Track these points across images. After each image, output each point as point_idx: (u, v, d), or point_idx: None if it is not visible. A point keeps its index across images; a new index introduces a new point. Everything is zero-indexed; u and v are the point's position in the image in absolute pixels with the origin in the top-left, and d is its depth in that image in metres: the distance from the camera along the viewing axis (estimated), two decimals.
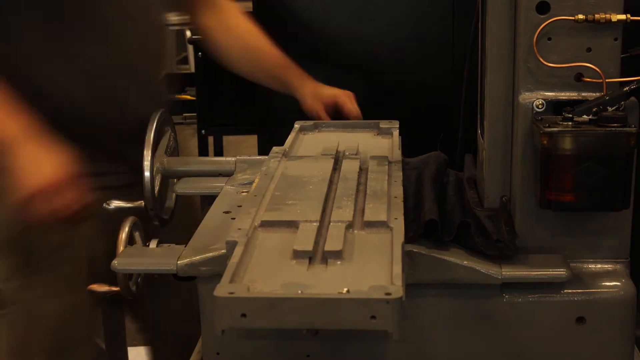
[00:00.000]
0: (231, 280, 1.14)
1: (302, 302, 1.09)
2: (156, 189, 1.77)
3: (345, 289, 1.11)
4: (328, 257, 1.22)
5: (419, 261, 1.43)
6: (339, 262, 1.21)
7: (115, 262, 1.47)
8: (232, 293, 1.10)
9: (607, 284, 1.49)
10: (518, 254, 1.47)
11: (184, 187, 1.83)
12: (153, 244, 1.53)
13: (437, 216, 1.47)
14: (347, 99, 2.14)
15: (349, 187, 1.49)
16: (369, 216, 1.34)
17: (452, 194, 1.67)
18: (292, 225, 1.32)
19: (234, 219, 1.49)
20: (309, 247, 1.23)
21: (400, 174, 1.57)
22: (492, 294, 1.47)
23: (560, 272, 1.45)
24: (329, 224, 1.33)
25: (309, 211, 1.37)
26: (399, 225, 1.31)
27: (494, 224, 1.51)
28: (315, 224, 1.32)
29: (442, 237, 1.47)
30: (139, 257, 1.50)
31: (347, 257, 1.23)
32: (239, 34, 2.24)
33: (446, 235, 1.47)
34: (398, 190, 1.47)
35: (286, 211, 1.38)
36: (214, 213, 1.60)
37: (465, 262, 1.44)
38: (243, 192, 1.68)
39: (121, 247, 1.51)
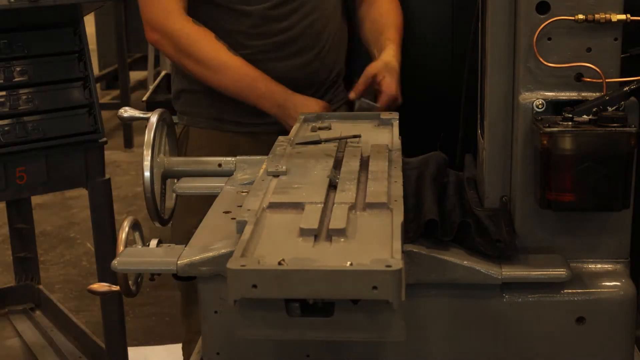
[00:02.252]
0: (242, 255, 1.21)
1: (309, 273, 1.15)
2: (156, 188, 1.77)
3: (349, 263, 1.16)
4: (332, 234, 1.29)
5: (419, 261, 1.43)
6: (342, 240, 1.28)
7: (115, 262, 1.47)
8: (243, 265, 1.16)
9: (607, 284, 1.49)
10: (518, 254, 1.47)
11: (184, 187, 1.83)
12: (153, 244, 1.53)
13: (437, 216, 1.47)
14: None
15: (351, 172, 1.54)
16: (370, 198, 1.41)
17: (452, 194, 1.67)
18: (298, 206, 1.39)
19: (234, 219, 1.50)
20: (315, 226, 1.30)
21: (400, 160, 1.62)
22: (492, 294, 1.47)
23: (560, 272, 1.45)
24: (333, 205, 1.39)
25: (314, 194, 1.43)
26: (398, 206, 1.37)
27: (494, 224, 1.51)
28: (320, 205, 1.38)
29: (442, 237, 1.47)
30: (139, 257, 1.50)
31: (350, 235, 1.29)
32: (378, 20, 2.43)
33: (446, 235, 1.47)
34: (397, 175, 1.52)
35: (292, 194, 1.45)
36: (214, 213, 1.60)
37: (465, 262, 1.44)
38: (243, 192, 1.68)
39: (121, 247, 1.51)
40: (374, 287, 1.13)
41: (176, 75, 2.48)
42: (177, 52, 2.29)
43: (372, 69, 2.28)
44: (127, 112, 1.94)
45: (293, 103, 2.24)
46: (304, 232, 1.29)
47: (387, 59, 2.30)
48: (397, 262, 1.15)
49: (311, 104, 2.23)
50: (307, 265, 1.17)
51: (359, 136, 1.80)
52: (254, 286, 1.15)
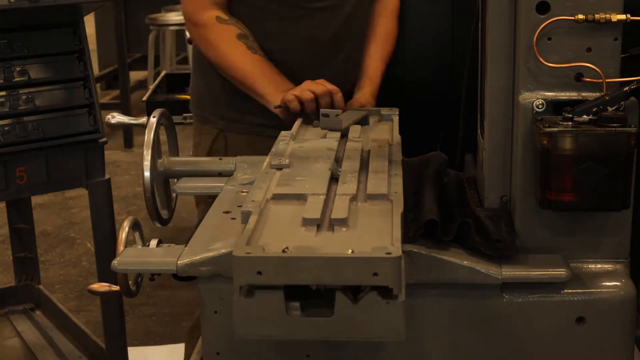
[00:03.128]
0: (247, 243, 1.23)
1: (312, 260, 1.18)
2: (156, 188, 1.78)
3: (350, 250, 1.19)
4: (334, 224, 1.32)
5: (419, 261, 1.43)
6: (344, 229, 1.31)
7: (115, 262, 1.47)
8: (249, 253, 1.19)
9: (607, 284, 1.49)
10: (518, 254, 1.47)
11: (184, 187, 1.83)
12: (153, 244, 1.53)
13: (437, 216, 1.47)
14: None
15: (352, 165, 1.58)
16: (371, 190, 1.45)
17: (452, 194, 1.68)
18: (301, 198, 1.42)
19: (234, 219, 1.52)
20: (317, 215, 1.33)
21: (400, 154, 1.65)
22: (492, 294, 1.47)
23: (560, 272, 1.45)
24: (335, 196, 1.42)
25: (316, 186, 1.46)
26: (398, 197, 1.40)
27: (494, 224, 1.51)
28: (322, 196, 1.41)
29: (442, 237, 1.47)
30: (139, 257, 1.50)
31: (352, 225, 1.33)
32: (372, 32, 2.44)
33: (446, 235, 1.47)
34: (397, 168, 1.55)
35: (295, 186, 1.48)
36: (214, 213, 1.60)
37: (465, 262, 1.44)
38: (243, 192, 1.68)
39: (121, 247, 1.51)
40: (375, 274, 1.16)
41: (205, 79, 2.43)
42: (201, 44, 2.33)
43: (362, 100, 2.30)
44: (115, 117, 1.91)
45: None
46: (306, 222, 1.32)
47: (368, 99, 2.33)
48: (397, 250, 1.18)
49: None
50: (310, 253, 1.20)
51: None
52: (259, 273, 1.18)
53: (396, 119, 1.93)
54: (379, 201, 1.41)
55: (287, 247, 1.21)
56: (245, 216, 1.36)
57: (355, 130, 1.84)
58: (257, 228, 1.31)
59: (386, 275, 1.17)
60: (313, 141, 1.77)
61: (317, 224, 1.32)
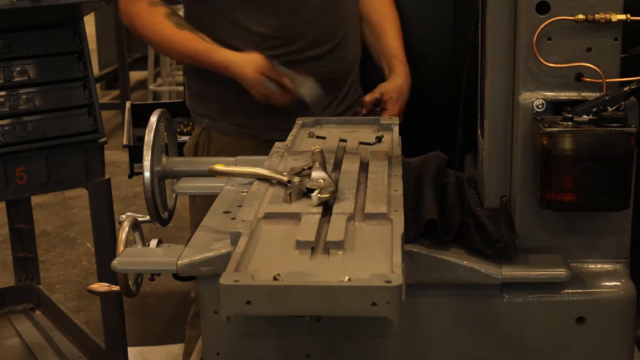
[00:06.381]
0: (236, 269, 1.16)
1: (305, 289, 1.11)
2: (156, 188, 1.77)
3: (347, 277, 1.13)
4: (330, 247, 1.25)
5: (419, 261, 1.43)
6: (340, 252, 1.24)
7: (115, 262, 1.47)
8: (237, 281, 1.12)
9: (607, 284, 1.49)
10: (518, 254, 1.47)
11: (184, 187, 1.83)
12: (153, 244, 1.53)
13: (437, 216, 1.47)
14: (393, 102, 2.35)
15: (350, 180, 1.51)
16: (369, 208, 1.37)
17: (452, 194, 1.67)
18: (295, 217, 1.35)
19: (234, 219, 1.50)
20: (311, 238, 1.26)
21: (400, 168, 1.58)
22: (492, 294, 1.47)
23: (560, 272, 1.45)
24: (331, 215, 1.35)
25: (310, 204, 1.39)
26: (398, 217, 1.33)
27: (494, 224, 1.51)
28: (317, 216, 1.34)
29: (442, 237, 1.47)
30: (139, 257, 1.50)
31: (349, 248, 1.25)
32: (375, 13, 2.47)
33: (446, 235, 1.47)
34: (398, 184, 1.49)
35: (289, 203, 1.40)
36: (214, 213, 1.60)
37: (465, 262, 1.44)
38: (243, 192, 1.68)
39: (121, 247, 1.51)
40: (373, 304, 1.09)
41: (196, 75, 2.43)
42: (136, 33, 2.37)
43: (384, 89, 2.33)
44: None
45: (235, 64, 2.22)
46: (300, 245, 1.25)
47: (398, 83, 2.36)
48: (397, 278, 1.11)
49: (250, 60, 2.20)
50: (303, 281, 1.14)
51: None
52: (248, 302, 1.11)
53: (396, 128, 1.86)
54: (378, 221, 1.33)
55: (278, 274, 1.14)
56: (235, 237, 1.27)
57: (353, 142, 1.76)
58: (247, 251, 1.24)
59: (386, 306, 1.09)
60: (308, 153, 1.65)
61: (312, 247, 1.24)
